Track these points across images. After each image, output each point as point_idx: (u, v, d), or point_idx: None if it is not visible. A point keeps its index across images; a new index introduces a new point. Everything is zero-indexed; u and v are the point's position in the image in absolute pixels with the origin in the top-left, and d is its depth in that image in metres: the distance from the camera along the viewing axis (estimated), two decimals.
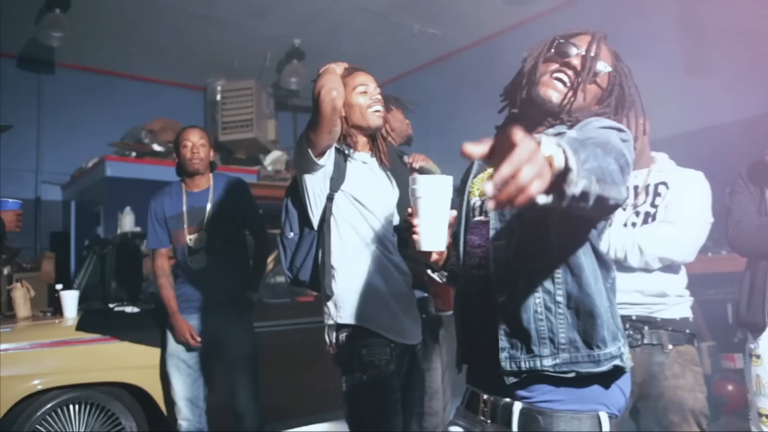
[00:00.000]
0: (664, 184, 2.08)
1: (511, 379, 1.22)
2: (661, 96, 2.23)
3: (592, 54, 1.28)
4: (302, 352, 3.35)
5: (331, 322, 1.94)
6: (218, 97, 6.77)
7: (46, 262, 5.13)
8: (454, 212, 1.28)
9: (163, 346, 2.92)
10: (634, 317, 2.02)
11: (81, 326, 2.99)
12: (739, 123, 3.76)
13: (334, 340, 1.94)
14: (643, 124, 2.09)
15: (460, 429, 1.33)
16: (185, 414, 2.83)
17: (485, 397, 1.29)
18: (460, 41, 6.10)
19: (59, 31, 5.15)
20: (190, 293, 2.87)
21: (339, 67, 1.94)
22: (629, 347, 1.93)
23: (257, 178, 6.29)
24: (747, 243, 2.23)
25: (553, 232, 1.20)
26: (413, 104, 2.86)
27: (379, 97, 2.01)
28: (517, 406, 1.23)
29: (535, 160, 0.81)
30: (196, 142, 2.90)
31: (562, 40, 1.31)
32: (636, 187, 2.11)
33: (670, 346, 1.99)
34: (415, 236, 1.23)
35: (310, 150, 1.86)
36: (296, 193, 2.02)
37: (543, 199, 0.86)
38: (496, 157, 0.85)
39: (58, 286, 3.48)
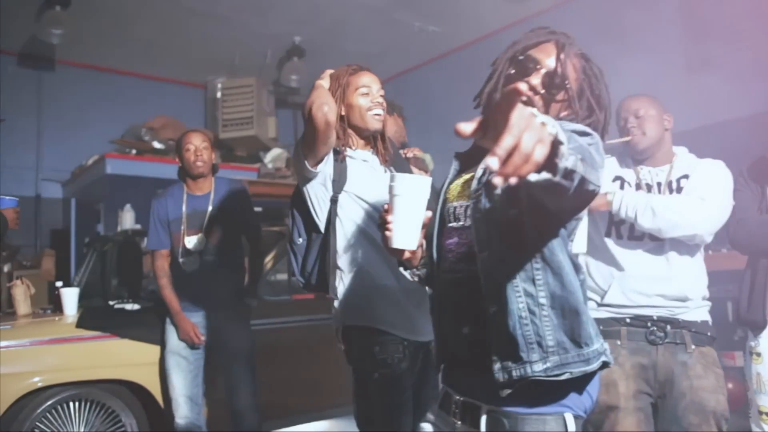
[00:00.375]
0: (686, 177, 2.07)
1: (506, 391, 1.19)
2: (662, 93, 2.23)
3: (558, 70, 1.26)
4: (303, 349, 3.36)
5: (339, 324, 1.94)
6: (219, 94, 6.76)
7: (46, 259, 5.14)
8: (429, 213, 1.28)
9: (163, 344, 2.92)
10: (655, 317, 2.00)
11: (81, 323, 2.99)
12: (740, 121, 3.75)
13: (345, 340, 1.93)
14: (666, 119, 2.11)
15: (432, 428, 1.34)
16: (184, 411, 2.83)
17: (456, 398, 1.29)
18: (461, 38, 6.09)
19: (59, 28, 5.14)
20: (187, 294, 2.89)
21: (325, 81, 1.93)
22: (652, 345, 1.97)
23: (257, 176, 6.29)
24: (748, 241, 2.23)
25: (529, 233, 1.18)
26: (407, 108, 2.88)
27: (381, 100, 1.99)
28: (484, 409, 1.23)
29: (534, 126, 0.80)
30: (199, 146, 2.91)
31: (521, 57, 1.30)
32: (659, 184, 2.10)
33: (693, 346, 1.98)
34: (387, 233, 1.24)
35: (306, 162, 1.85)
36: (300, 199, 2.00)
37: (536, 177, 0.84)
38: (489, 132, 0.85)
39: (58, 284, 3.49)
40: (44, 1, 5.06)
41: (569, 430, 1.19)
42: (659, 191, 2.08)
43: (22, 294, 3.35)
